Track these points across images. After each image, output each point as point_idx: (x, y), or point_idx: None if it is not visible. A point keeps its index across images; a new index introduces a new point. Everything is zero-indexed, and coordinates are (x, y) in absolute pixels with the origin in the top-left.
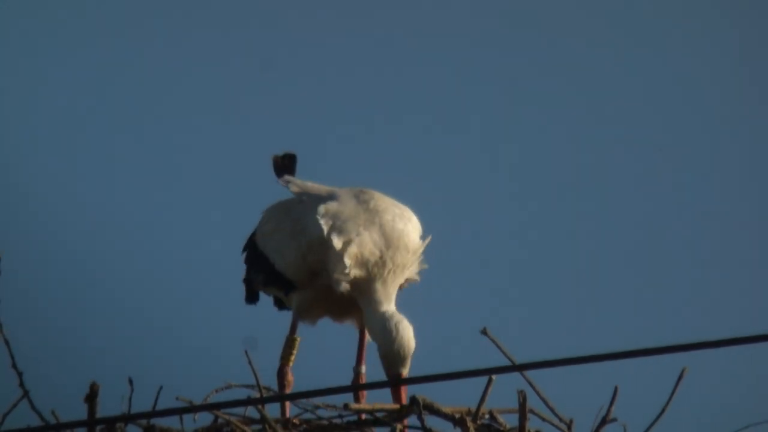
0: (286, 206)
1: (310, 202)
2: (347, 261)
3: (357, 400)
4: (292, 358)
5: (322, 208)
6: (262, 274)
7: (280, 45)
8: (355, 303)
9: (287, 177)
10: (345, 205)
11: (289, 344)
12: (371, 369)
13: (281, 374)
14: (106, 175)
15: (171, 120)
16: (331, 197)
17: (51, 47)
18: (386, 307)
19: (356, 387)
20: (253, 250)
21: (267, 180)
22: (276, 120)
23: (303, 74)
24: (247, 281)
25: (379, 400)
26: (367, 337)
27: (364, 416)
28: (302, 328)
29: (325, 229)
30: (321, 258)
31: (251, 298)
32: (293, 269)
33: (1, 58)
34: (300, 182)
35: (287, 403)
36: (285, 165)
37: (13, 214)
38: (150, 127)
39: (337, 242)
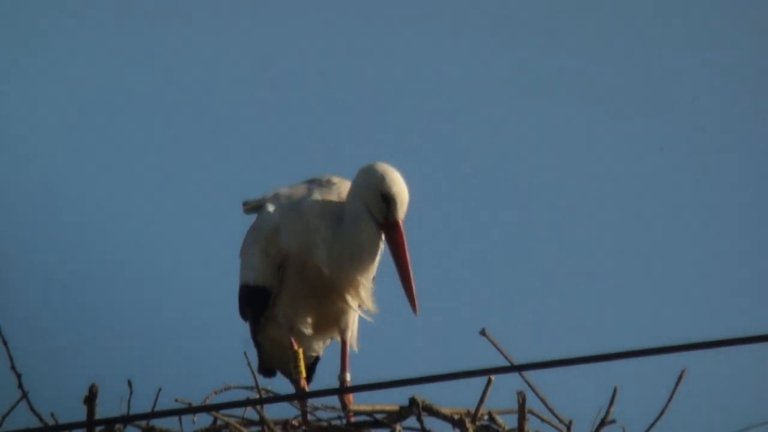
0: (247, 232)
1: (264, 203)
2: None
3: (343, 406)
4: (301, 370)
5: (270, 193)
6: (249, 309)
7: (281, 44)
8: (331, 296)
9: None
10: (296, 188)
11: (294, 358)
12: (367, 371)
13: (296, 389)
14: (107, 176)
15: (174, 119)
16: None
17: (50, 45)
18: None
19: (357, 388)
20: (239, 297)
21: (269, 180)
22: (278, 119)
23: (304, 73)
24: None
25: (379, 402)
26: (349, 345)
27: (353, 418)
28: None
29: (272, 207)
30: (280, 248)
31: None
32: (261, 271)
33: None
34: (251, 204)
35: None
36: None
37: (12, 214)
38: (153, 127)
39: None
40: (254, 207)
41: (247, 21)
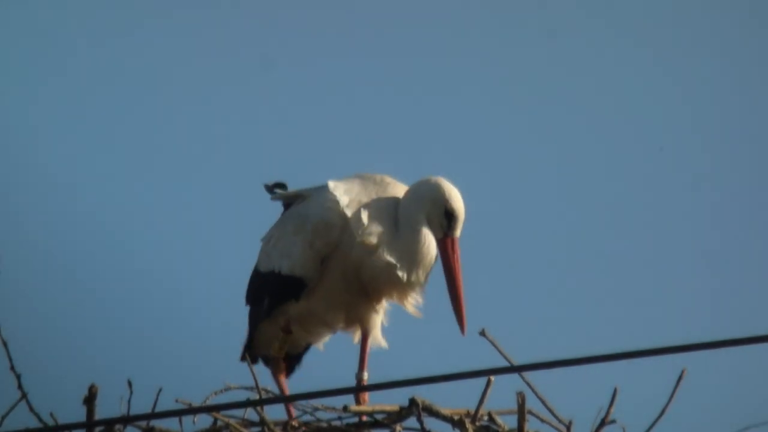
0: (281, 219)
1: (310, 194)
2: (364, 219)
3: (358, 404)
4: (283, 351)
5: (331, 183)
6: (268, 296)
7: (282, 44)
8: (362, 298)
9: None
10: (351, 183)
11: (282, 340)
12: (367, 372)
13: (274, 362)
14: (107, 176)
15: (173, 118)
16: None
17: (49, 45)
18: None
19: (356, 389)
20: (254, 282)
21: (270, 180)
22: (278, 118)
23: (310, 74)
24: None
25: (379, 402)
26: (369, 343)
27: (365, 417)
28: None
29: (341, 198)
30: (328, 240)
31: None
32: (300, 262)
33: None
34: (285, 191)
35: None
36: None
37: (12, 214)
38: (152, 127)
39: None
40: (294, 195)
41: (266, 17)
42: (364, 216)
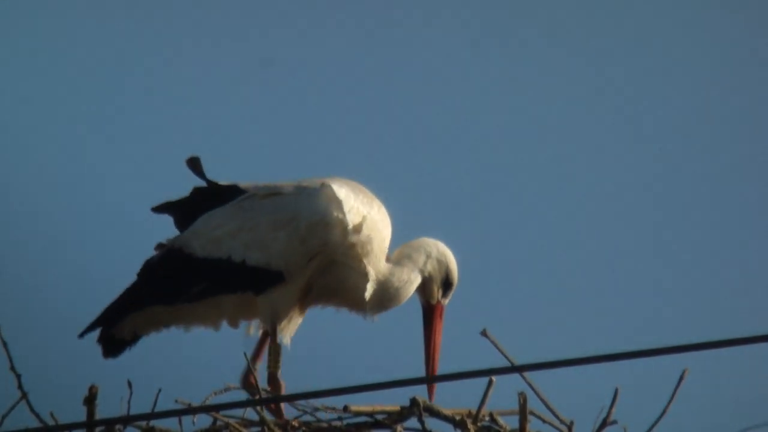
0: (243, 208)
1: (291, 190)
2: (366, 233)
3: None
4: (280, 364)
5: (334, 185)
6: (208, 284)
7: (280, 43)
8: (305, 299)
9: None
10: (344, 187)
11: (274, 351)
12: (368, 372)
13: (273, 381)
14: (107, 176)
15: (172, 117)
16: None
17: (49, 45)
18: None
19: (356, 389)
20: (180, 265)
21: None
22: (274, 117)
23: (303, 73)
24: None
25: (379, 402)
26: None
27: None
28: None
29: (344, 202)
30: (325, 240)
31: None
32: (287, 257)
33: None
34: (267, 186)
35: (282, 406)
36: (194, 167)
37: (12, 213)
38: (150, 126)
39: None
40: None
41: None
42: (367, 228)
